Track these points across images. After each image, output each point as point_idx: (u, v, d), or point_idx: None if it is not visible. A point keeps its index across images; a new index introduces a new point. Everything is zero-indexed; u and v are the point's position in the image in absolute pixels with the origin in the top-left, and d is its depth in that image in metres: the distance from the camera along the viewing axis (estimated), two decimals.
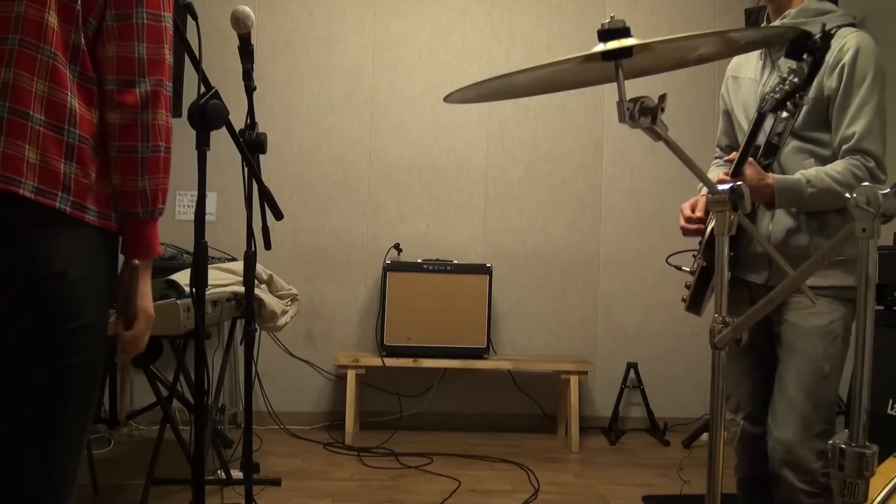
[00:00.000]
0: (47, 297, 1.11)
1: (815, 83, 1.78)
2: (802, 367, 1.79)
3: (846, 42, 1.78)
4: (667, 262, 2.18)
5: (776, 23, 1.89)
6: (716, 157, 2.23)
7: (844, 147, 1.77)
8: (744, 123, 1.97)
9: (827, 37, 1.59)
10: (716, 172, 2.16)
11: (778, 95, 1.63)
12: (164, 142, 1.19)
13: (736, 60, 2.08)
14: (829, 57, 1.78)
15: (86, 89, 1.14)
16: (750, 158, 1.78)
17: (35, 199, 1.07)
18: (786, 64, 1.87)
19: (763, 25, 1.97)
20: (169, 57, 1.19)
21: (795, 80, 1.62)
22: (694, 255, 2.09)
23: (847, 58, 1.76)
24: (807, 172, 1.76)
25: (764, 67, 1.94)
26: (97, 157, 1.16)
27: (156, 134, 1.17)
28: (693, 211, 1.97)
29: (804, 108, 1.81)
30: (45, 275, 1.09)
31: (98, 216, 1.16)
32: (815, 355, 1.79)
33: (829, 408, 1.80)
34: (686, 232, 2.00)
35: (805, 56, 1.59)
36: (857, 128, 1.74)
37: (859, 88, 1.76)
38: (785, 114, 1.81)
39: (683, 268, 2.16)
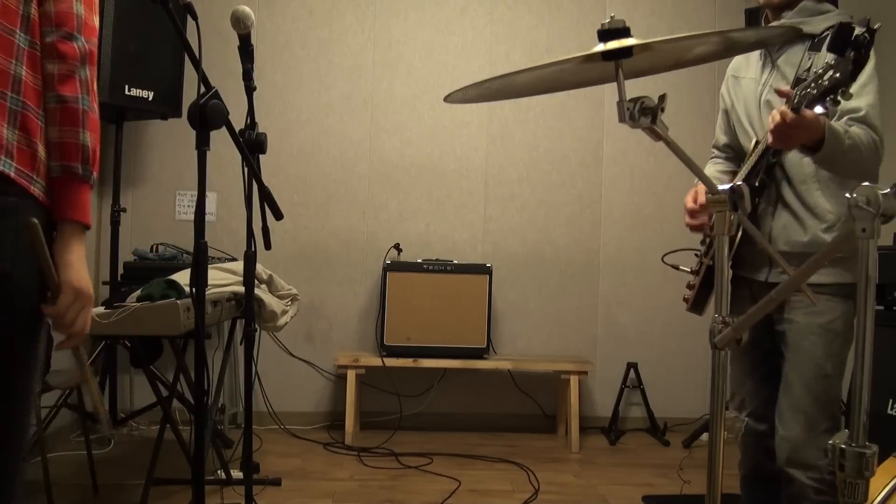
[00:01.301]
0: None
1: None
2: (805, 366, 1.80)
3: None
4: (662, 260, 2.17)
5: (775, 23, 1.89)
6: (712, 157, 2.21)
7: (850, 118, 1.75)
8: (745, 122, 1.97)
9: (872, 32, 1.56)
10: (711, 168, 2.16)
11: (815, 91, 1.55)
12: (95, 102, 1.19)
13: (737, 60, 2.08)
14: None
15: (37, 58, 1.14)
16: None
17: None
18: (785, 63, 1.87)
19: (763, 26, 1.96)
20: (95, 17, 1.21)
21: (837, 75, 1.59)
22: (696, 254, 2.09)
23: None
24: (845, 127, 1.72)
25: (763, 67, 1.94)
26: (42, 129, 1.14)
27: (93, 92, 1.17)
28: (695, 201, 1.94)
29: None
30: None
31: (43, 190, 1.13)
32: (817, 354, 1.79)
33: (834, 405, 1.81)
34: (692, 227, 1.98)
35: (848, 51, 1.54)
36: (863, 102, 1.73)
37: (866, 86, 1.75)
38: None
39: (682, 267, 2.16)
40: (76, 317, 1.16)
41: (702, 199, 1.95)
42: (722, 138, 2.15)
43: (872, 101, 1.74)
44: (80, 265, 1.16)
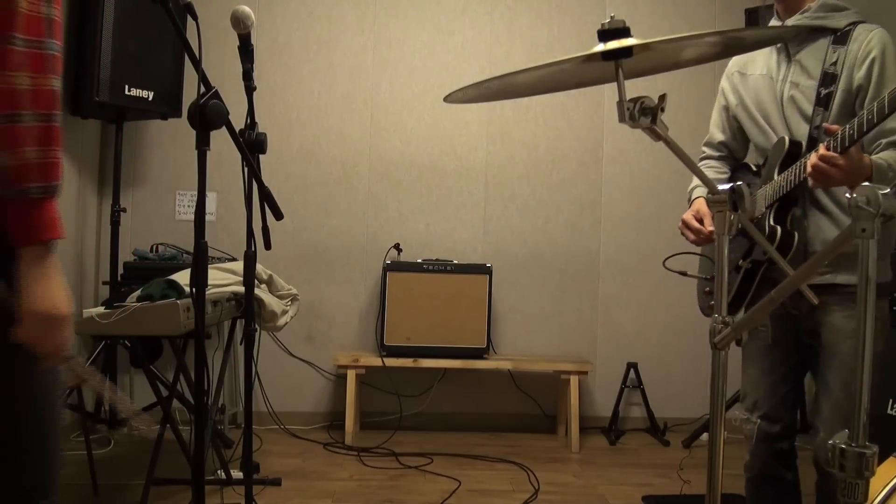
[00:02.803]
0: None
1: (844, 75, 1.79)
2: (844, 370, 1.79)
3: (872, 35, 1.79)
4: (664, 266, 2.15)
5: (793, 20, 1.87)
6: (704, 157, 2.18)
7: (887, 140, 1.75)
8: (760, 120, 1.95)
9: None
10: (709, 172, 2.13)
11: (865, 129, 1.56)
12: (34, 108, 1.02)
13: (741, 57, 2.05)
14: (857, 48, 1.78)
15: None
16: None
17: None
18: (807, 58, 1.85)
19: (775, 24, 1.95)
20: (32, 6, 1.02)
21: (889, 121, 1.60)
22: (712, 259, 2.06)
23: (876, 51, 1.77)
24: (885, 158, 1.73)
25: (779, 63, 1.92)
26: None
27: (10, 100, 1.00)
28: (701, 223, 1.94)
29: (836, 101, 1.80)
30: None
31: None
32: (855, 356, 1.78)
33: (871, 404, 1.82)
34: (695, 242, 1.99)
35: None
36: None
37: (892, 82, 1.75)
38: (821, 108, 1.80)
39: (692, 273, 2.13)
40: (47, 339, 1.09)
41: (708, 225, 1.94)
42: (718, 136, 2.12)
43: None
44: (42, 290, 1.07)
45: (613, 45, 1.17)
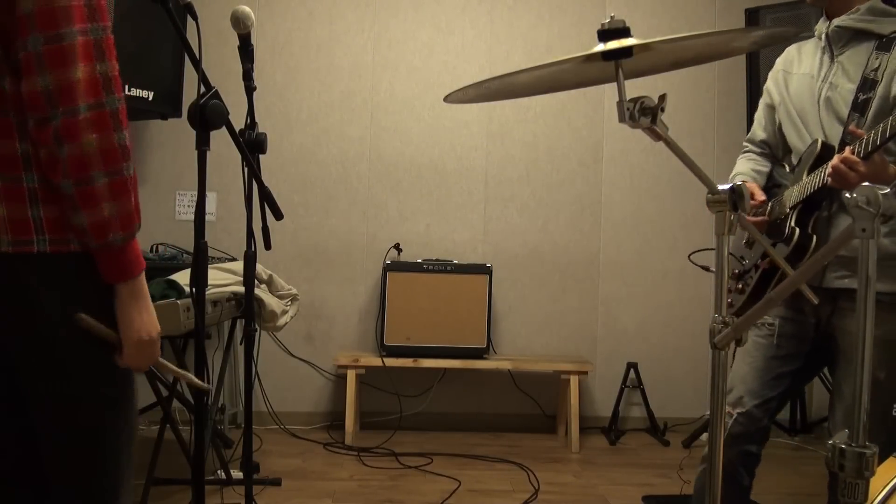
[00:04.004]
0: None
1: (884, 82, 1.77)
2: (858, 376, 1.78)
3: None
4: (689, 259, 2.13)
5: (839, 20, 1.84)
6: (746, 151, 2.17)
7: None
8: (796, 118, 1.93)
9: None
10: (746, 165, 2.12)
11: (888, 134, 1.55)
12: (104, 167, 1.07)
13: (787, 54, 2.04)
14: None
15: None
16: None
17: (14, 252, 1.09)
18: (849, 60, 1.83)
19: (820, 27, 1.93)
20: (87, 71, 1.05)
21: None
22: (742, 258, 2.05)
23: None
24: None
25: (822, 63, 1.90)
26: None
27: (79, 167, 1.05)
28: (752, 198, 1.91)
29: (873, 108, 1.78)
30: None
31: (81, 245, 1.13)
32: (872, 365, 1.77)
33: (886, 415, 1.80)
34: (747, 224, 1.95)
35: None
36: None
37: None
38: (857, 113, 1.79)
39: (711, 268, 2.12)
40: (144, 360, 1.20)
41: (760, 195, 1.92)
42: (760, 133, 2.10)
43: None
44: (137, 316, 1.17)
45: (613, 45, 1.16)
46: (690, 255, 2.13)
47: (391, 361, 3.74)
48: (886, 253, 1.77)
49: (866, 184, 0.99)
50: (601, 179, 4.23)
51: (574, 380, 3.76)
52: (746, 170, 2.10)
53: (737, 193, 1.25)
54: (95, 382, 1.18)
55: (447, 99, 1.42)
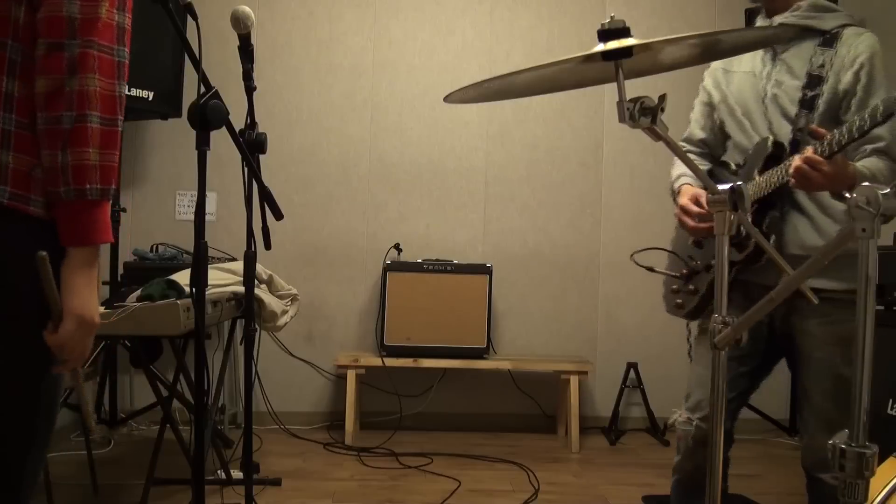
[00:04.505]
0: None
1: (831, 78, 1.77)
2: (823, 376, 1.77)
3: (861, 39, 1.77)
4: (632, 260, 2.12)
5: (781, 18, 1.85)
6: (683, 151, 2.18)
7: (872, 147, 1.74)
8: (741, 116, 1.93)
9: None
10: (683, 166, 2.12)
11: (855, 136, 1.54)
12: (101, 111, 1.06)
13: None
14: (845, 52, 1.77)
15: (31, 68, 1.05)
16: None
17: None
18: (793, 58, 1.83)
19: (762, 24, 1.94)
20: (109, 14, 1.06)
21: (880, 132, 1.58)
22: (691, 258, 2.04)
23: (865, 56, 1.75)
24: (868, 166, 1.71)
25: (764, 61, 1.90)
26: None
27: (83, 101, 1.04)
28: (696, 203, 1.89)
29: (821, 105, 1.78)
30: None
31: (44, 207, 1.07)
32: (834, 362, 1.76)
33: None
34: (697, 233, 1.92)
35: None
36: (885, 131, 1.70)
37: (880, 89, 1.74)
38: (805, 110, 1.79)
39: (660, 269, 2.11)
40: (77, 345, 1.10)
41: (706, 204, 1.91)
42: (698, 132, 2.09)
43: (893, 126, 1.69)
44: (86, 290, 1.09)
45: (613, 45, 1.16)
46: (633, 255, 2.10)
47: (391, 361, 3.74)
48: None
49: (866, 184, 0.99)
50: (601, 180, 4.23)
51: (574, 380, 3.76)
52: (684, 171, 2.07)
53: (737, 193, 1.25)
54: (30, 362, 1.10)
55: (447, 99, 1.42)
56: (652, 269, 2.09)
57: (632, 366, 4.07)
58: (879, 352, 1.85)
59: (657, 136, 1.20)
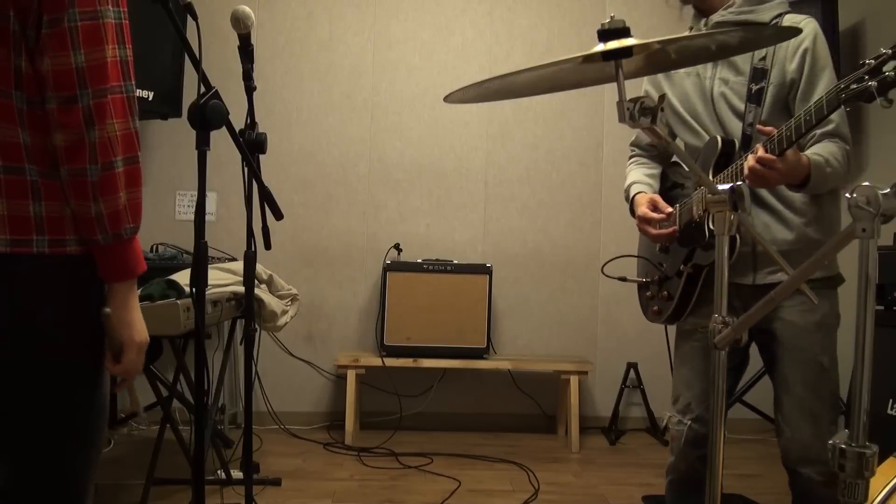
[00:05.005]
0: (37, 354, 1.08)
1: (775, 69, 1.76)
2: (804, 365, 1.77)
3: (802, 26, 1.74)
4: (602, 272, 2.11)
5: (716, 16, 1.82)
6: (634, 156, 2.15)
7: (822, 131, 1.72)
8: (688, 118, 1.91)
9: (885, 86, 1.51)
10: (638, 172, 2.10)
11: (804, 129, 1.52)
12: (122, 153, 1.06)
13: None
14: (787, 42, 1.75)
15: (37, 117, 1.04)
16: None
17: (11, 252, 1.02)
18: (741, 58, 1.81)
19: (697, 24, 1.91)
20: (115, 53, 1.05)
21: (830, 120, 1.56)
22: (660, 263, 2.03)
23: (808, 42, 1.73)
24: (821, 153, 1.70)
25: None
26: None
27: (106, 150, 1.04)
28: (654, 209, 1.88)
29: (769, 97, 1.77)
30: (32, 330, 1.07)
31: (79, 243, 1.09)
32: (813, 351, 1.77)
33: (834, 397, 1.80)
34: (658, 239, 1.91)
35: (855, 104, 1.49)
36: (834, 114, 1.66)
37: (824, 73, 1.73)
38: (753, 104, 1.78)
39: (631, 278, 2.09)
40: (137, 367, 1.18)
41: (665, 207, 1.89)
42: (645, 137, 2.09)
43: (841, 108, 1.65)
44: (136, 319, 1.17)
45: (613, 45, 1.17)
46: (603, 266, 2.09)
47: (391, 361, 3.74)
48: (810, 241, 1.77)
49: (866, 183, 0.99)
50: (601, 180, 4.23)
51: (574, 380, 3.76)
52: (640, 177, 2.07)
53: (737, 193, 1.25)
54: (85, 389, 1.15)
55: (447, 99, 1.42)
56: (623, 279, 2.08)
57: (632, 366, 4.07)
58: (879, 352, 1.85)
59: (657, 136, 1.20)
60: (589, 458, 3.64)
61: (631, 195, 2.05)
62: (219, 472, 2.88)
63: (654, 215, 1.89)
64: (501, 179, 4.19)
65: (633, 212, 2.03)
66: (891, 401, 2.60)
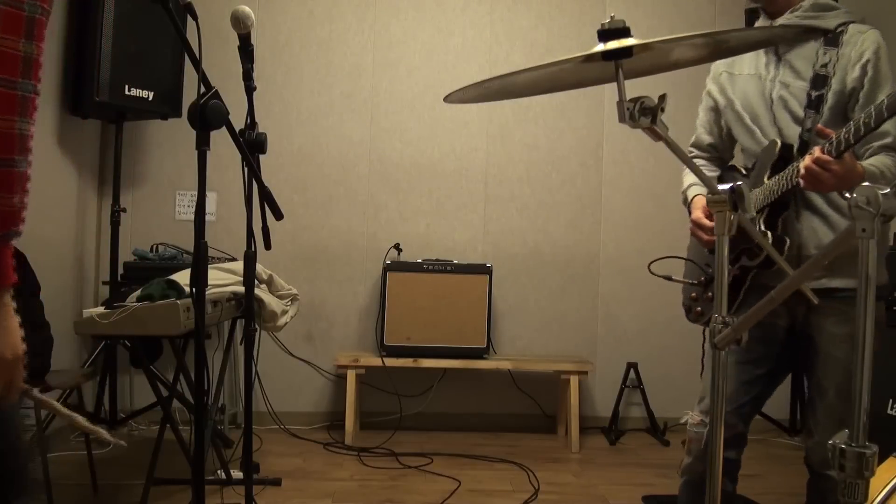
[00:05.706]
0: None
1: (837, 76, 1.77)
2: (839, 374, 1.78)
3: (865, 37, 1.77)
4: (649, 270, 2.11)
5: (783, 19, 1.85)
6: (692, 156, 2.14)
7: (879, 144, 1.74)
8: (748, 121, 1.92)
9: None
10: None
11: (862, 133, 1.53)
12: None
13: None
14: (850, 50, 1.77)
15: None
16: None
17: None
18: (797, 58, 1.83)
19: (764, 25, 1.94)
20: (15, 45, 0.97)
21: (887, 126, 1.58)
22: (707, 265, 2.03)
23: (870, 53, 1.75)
24: (876, 164, 1.72)
25: (768, 62, 1.90)
26: None
27: None
28: (710, 217, 1.89)
29: (828, 104, 1.78)
30: None
31: None
32: (849, 361, 1.77)
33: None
34: (710, 245, 1.90)
35: None
36: (892, 126, 1.70)
37: (886, 84, 1.74)
38: (812, 110, 1.78)
39: (676, 278, 2.10)
40: (10, 380, 1.05)
41: None
42: (706, 137, 2.09)
43: None
44: (4, 333, 1.04)
45: (613, 45, 1.16)
46: (650, 264, 2.10)
47: (391, 361, 3.74)
48: (856, 247, 1.76)
49: (866, 183, 0.99)
50: (601, 180, 4.23)
51: (574, 380, 3.76)
52: (697, 180, 2.06)
53: (737, 193, 1.25)
54: None
55: (447, 99, 1.42)
56: (669, 278, 2.08)
57: (632, 366, 4.07)
58: (880, 352, 1.85)
59: (657, 136, 1.20)
60: (589, 458, 3.64)
61: (689, 197, 2.05)
62: (219, 472, 2.88)
63: (708, 222, 1.89)
64: (501, 179, 4.19)
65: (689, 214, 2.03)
66: (891, 401, 2.60)
